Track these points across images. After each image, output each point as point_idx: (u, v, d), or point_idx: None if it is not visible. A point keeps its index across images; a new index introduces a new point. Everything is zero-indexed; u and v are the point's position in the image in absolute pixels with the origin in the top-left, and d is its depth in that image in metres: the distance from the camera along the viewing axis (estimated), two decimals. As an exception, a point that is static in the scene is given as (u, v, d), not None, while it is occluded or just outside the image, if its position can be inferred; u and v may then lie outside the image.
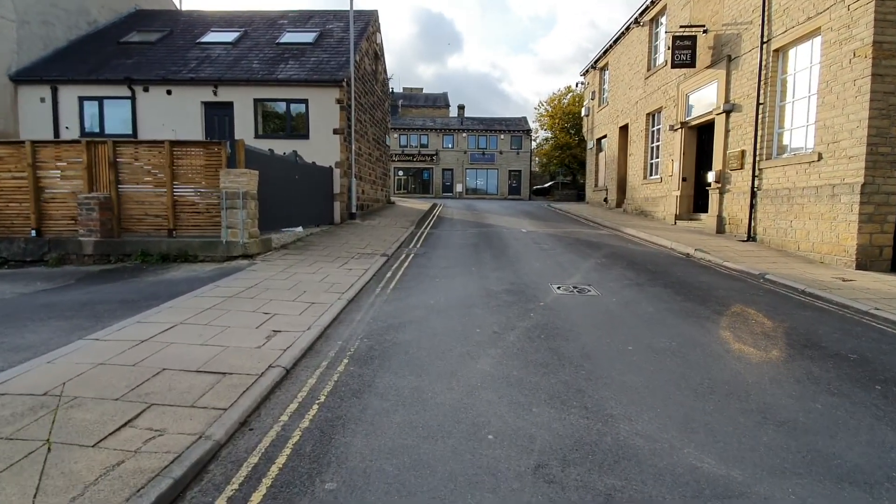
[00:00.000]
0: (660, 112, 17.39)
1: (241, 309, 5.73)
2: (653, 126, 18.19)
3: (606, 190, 22.70)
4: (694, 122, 14.84)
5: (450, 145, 44.22)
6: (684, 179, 15.28)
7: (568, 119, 42.18)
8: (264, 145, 13.06)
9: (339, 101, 14.92)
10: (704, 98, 14.16)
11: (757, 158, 11.47)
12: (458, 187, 44.15)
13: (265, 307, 5.85)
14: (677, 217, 15.39)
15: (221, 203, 8.73)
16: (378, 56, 20.63)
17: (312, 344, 4.72)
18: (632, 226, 14.96)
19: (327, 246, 10.50)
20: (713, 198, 13.30)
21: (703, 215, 14.53)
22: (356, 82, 16.38)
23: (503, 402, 3.55)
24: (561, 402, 3.56)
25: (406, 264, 8.93)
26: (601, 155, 24.36)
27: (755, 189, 11.51)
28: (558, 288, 7.06)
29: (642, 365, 4.27)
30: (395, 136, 43.75)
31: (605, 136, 23.51)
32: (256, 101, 15.05)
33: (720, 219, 12.99)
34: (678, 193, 15.39)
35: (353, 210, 15.66)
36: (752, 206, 11.64)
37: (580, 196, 41.88)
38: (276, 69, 15.22)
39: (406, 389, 3.74)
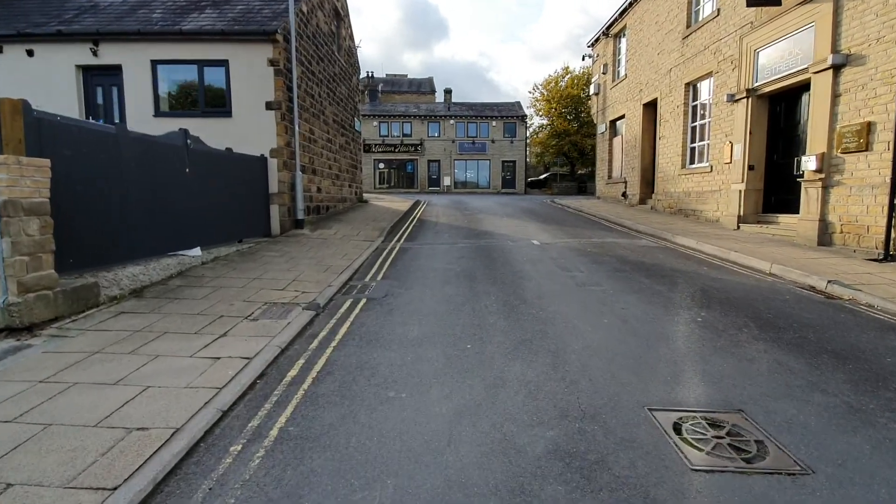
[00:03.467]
0: (707, 79, 13.28)
1: None
2: (695, 99, 14.09)
3: (625, 182, 18.61)
4: (767, 89, 10.75)
5: (436, 134, 39.83)
6: (751, 168, 11.21)
7: (566, 103, 38.06)
8: (169, 126, 8.76)
9: (272, 63, 10.56)
10: (786, 53, 10.05)
11: (905, 133, 7.43)
12: (446, 181, 39.86)
13: None
14: (741, 219, 11.33)
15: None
16: (340, 15, 16.22)
17: None
18: (679, 232, 10.88)
19: (219, 287, 6.22)
20: (809, 194, 9.23)
21: (784, 217, 10.48)
22: (303, 40, 12.01)
23: None
24: None
25: (340, 335, 4.70)
26: (616, 140, 20.26)
27: (902, 180, 7.48)
28: (679, 433, 2.90)
29: None
30: (375, 124, 39.27)
31: (621, 117, 19.41)
32: (155, 63, 10.63)
33: (824, 224, 8.93)
34: (742, 187, 11.32)
35: (300, 216, 11.36)
36: (894, 207, 7.60)
37: (581, 189, 37.85)
38: (184, 19, 10.79)
39: None
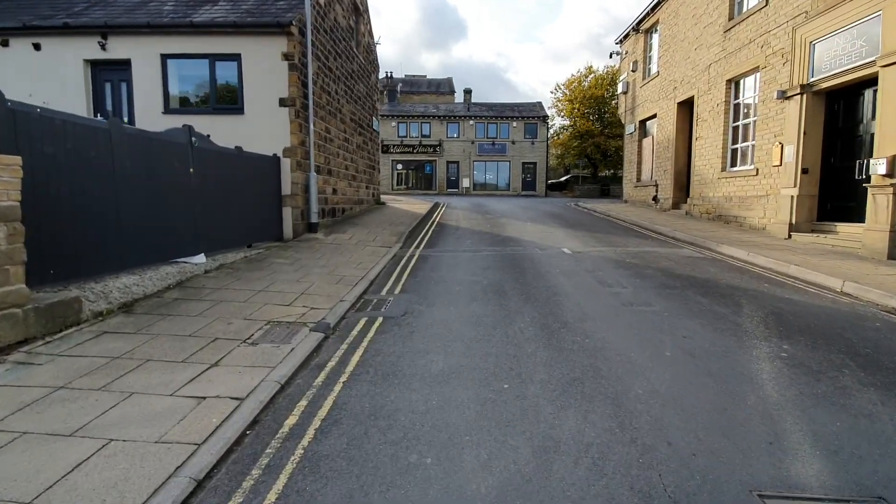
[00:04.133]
0: (752, 75, 12.27)
1: None
2: (737, 97, 13.07)
3: (656, 185, 17.60)
4: (824, 85, 9.73)
5: (455, 135, 39.09)
6: (805, 171, 10.18)
7: (590, 103, 36.98)
8: (178, 123, 8.20)
9: (287, 57, 9.95)
10: (847, 45, 9.05)
11: None
12: (465, 182, 39.09)
13: None
14: (793, 227, 10.31)
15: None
16: (359, 10, 15.60)
17: None
18: (723, 240, 9.93)
19: (219, 301, 5.56)
20: (877, 201, 8.20)
21: (843, 226, 9.45)
22: (319, 34, 11.40)
23: None
24: None
25: (351, 367, 3.98)
26: (646, 141, 19.24)
27: None
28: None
29: None
30: (393, 124, 38.72)
31: (652, 117, 18.40)
32: (165, 57, 10.11)
33: (897, 235, 7.92)
34: (794, 192, 10.30)
35: (314, 219, 10.72)
36: None
37: (604, 191, 36.70)
38: (196, 11, 10.25)
39: None
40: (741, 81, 12.83)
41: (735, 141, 13.09)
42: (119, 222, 5.60)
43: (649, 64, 19.10)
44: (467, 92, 41.67)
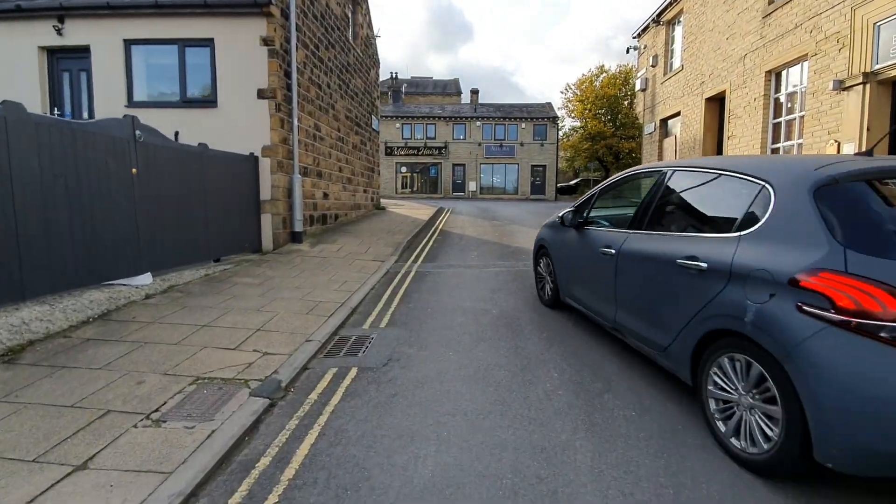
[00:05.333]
0: (799, 64, 10.81)
1: None
2: (778, 90, 11.62)
3: (680, 189, 16.10)
4: (893, 73, 8.29)
5: (461, 136, 37.77)
6: (868, 173, 8.70)
7: (602, 104, 35.56)
8: (143, 118, 6.94)
9: (266, 42, 8.66)
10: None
11: None
12: (472, 186, 37.73)
13: None
14: (853, 238, 8.83)
15: None
16: (356, -1, 14.34)
17: None
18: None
19: (143, 343, 4.22)
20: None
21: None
22: (308, 19, 10.11)
23: None
24: None
25: (294, 467, 2.62)
26: (668, 141, 17.78)
27: None
28: None
29: None
30: (397, 125, 37.49)
31: (675, 115, 16.94)
32: (128, 43, 8.86)
33: None
34: (854, 197, 8.82)
35: (298, 228, 9.39)
36: None
37: (617, 195, 35.16)
38: (164, -10, 9.01)
39: None
40: (784, 72, 11.37)
41: (777, 139, 11.63)
42: (18, 237, 4.29)
43: (671, 58, 17.66)
44: (474, 92, 40.37)
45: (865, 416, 1.94)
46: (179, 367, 3.69)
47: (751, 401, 2.45)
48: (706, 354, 2.74)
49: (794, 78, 11.07)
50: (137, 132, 5.73)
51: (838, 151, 9.25)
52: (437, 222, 14.70)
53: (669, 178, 3.53)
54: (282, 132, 8.97)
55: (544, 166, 37.44)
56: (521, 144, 37.39)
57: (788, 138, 11.22)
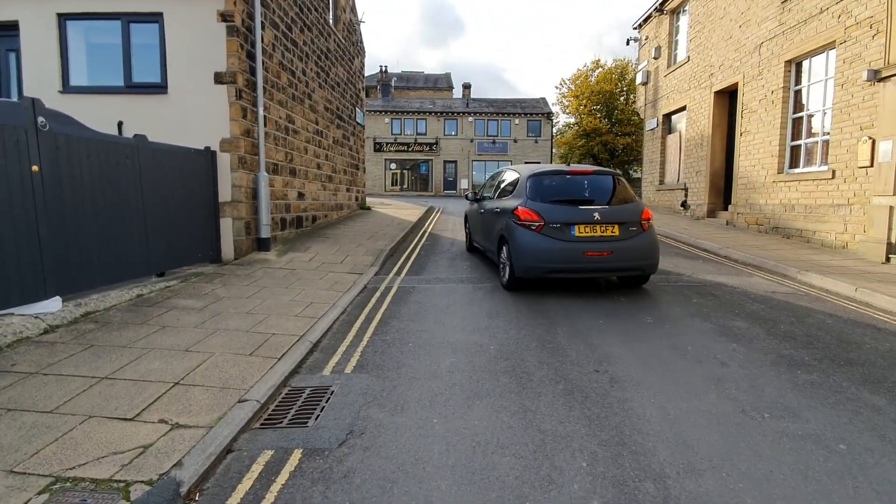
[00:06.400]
0: (824, 53, 9.79)
1: None
2: (799, 81, 10.60)
3: (686, 189, 15.12)
4: (943, 58, 7.29)
5: (453, 132, 36.58)
6: (910, 173, 7.72)
7: (598, 99, 34.55)
8: (81, 105, 5.89)
9: (225, 18, 7.44)
10: None
11: None
12: (464, 183, 36.58)
13: None
14: (892, 248, 7.86)
15: None
16: (337, -21, 13.08)
17: None
18: (801, 265, 7.46)
19: (1, 413, 3.04)
20: None
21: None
22: (276, -5, 8.88)
23: None
24: None
25: None
26: (672, 137, 16.77)
27: None
28: None
29: None
30: (387, 121, 36.21)
31: (680, 110, 15.93)
32: (63, 18, 7.59)
33: None
34: (892, 201, 7.84)
35: (265, 234, 8.20)
36: None
37: (612, 194, 34.24)
38: (106, -43, 7.73)
39: None
40: (806, 62, 10.36)
41: (797, 136, 10.63)
42: None
43: (675, 49, 16.63)
44: (466, 87, 39.18)
45: (526, 254, 5.70)
46: (38, 458, 2.52)
47: (506, 260, 6.17)
48: (499, 245, 6.44)
49: (818, 68, 10.06)
50: (40, 119, 4.51)
51: (873, 150, 8.26)
52: (426, 224, 13.56)
53: (501, 175, 7.60)
54: (244, 123, 7.76)
55: (538, 163, 36.35)
56: (515, 141, 36.31)
57: (810, 135, 10.22)
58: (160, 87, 7.58)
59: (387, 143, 36.32)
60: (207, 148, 7.42)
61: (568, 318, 5.11)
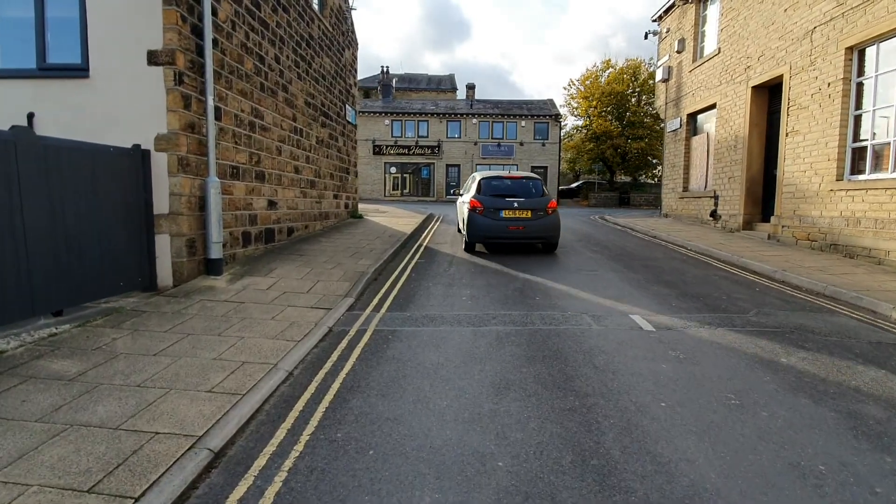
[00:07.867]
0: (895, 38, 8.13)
1: None
2: (862, 72, 8.92)
3: (716, 197, 13.43)
4: None
5: (456, 135, 34.99)
6: None
7: (609, 101, 32.87)
8: None
9: (161, -18, 5.85)
10: None
11: None
12: (467, 188, 34.93)
13: None
14: None
15: None
16: (323, -42, 11.52)
17: None
18: (888, 296, 5.78)
19: None
20: None
21: None
22: (237, -38, 7.29)
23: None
24: None
25: None
26: (698, 139, 15.09)
27: None
28: None
29: None
30: (387, 122, 34.67)
31: (708, 108, 14.26)
32: (-41, -18, 6.04)
33: None
34: None
35: (214, 254, 6.58)
36: None
37: (623, 200, 32.53)
38: None
39: None
40: (873, 48, 8.68)
41: (858, 136, 8.94)
42: None
43: (702, 41, 14.98)
44: (470, 88, 37.58)
45: (472, 227, 8.95)
46: None
47: (464, 232, 9.51)
48: (464, 223, 9.71)
49: (888, 55, 8.38)
50: None
51: (979, 151, 6.57)
52: (423, 236, 11.93)
53: (471, 178, 10.33)
54: (187, 115, 6.16)
55: (545, 168, 34.70)
56: (521, 144, 34.67)
57: (882, 135, 8.52)
58: (80, 70, 6.00)
59: (387, 146, 34.78)
60: (137, 146, 5.82)
61: (608, 393, 3.45)
